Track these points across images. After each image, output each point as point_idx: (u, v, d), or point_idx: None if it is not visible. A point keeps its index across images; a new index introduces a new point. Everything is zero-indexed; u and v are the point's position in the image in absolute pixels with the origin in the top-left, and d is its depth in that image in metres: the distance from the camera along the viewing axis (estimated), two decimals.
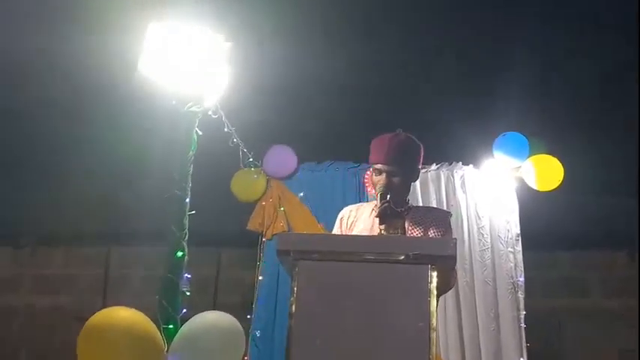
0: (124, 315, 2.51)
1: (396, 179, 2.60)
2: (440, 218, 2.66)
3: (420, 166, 2.76)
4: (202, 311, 2.92)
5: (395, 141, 2.63)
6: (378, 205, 2.49)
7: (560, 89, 5.13)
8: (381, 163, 2.61)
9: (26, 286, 6.38)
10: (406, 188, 2.68)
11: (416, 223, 2.59)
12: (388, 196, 2.52)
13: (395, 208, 2.54)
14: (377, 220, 2.58)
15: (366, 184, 2.71)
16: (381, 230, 2.50)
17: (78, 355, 2.41)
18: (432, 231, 2.56)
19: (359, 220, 2.67)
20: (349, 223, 2.67)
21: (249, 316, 4.48)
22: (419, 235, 2.53)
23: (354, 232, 2.61)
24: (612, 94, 5.16)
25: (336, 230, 2.69)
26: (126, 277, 6.11)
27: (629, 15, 4.54)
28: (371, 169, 2.71)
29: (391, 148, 2.62)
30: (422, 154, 2.72)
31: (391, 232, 2.49)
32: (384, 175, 2.60)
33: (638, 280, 5.43)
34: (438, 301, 2.02)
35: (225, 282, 6.01)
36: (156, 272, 3.05)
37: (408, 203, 2.64)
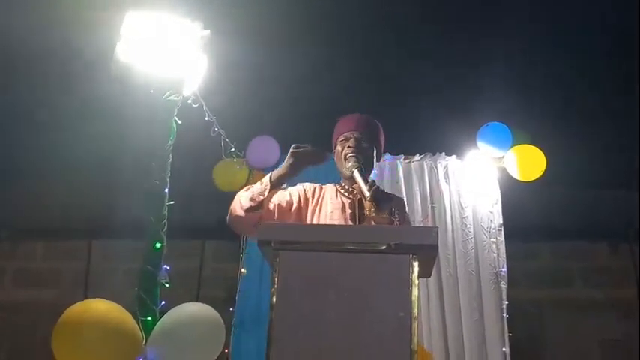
0: (100, 307, 2.48)
1: (365, 145, 2.56)
2: (400, 205, 2.60)
3: (382, 150, 2.72)
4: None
5: (362, 115, 2.64)
6: (365, 190, 2.34)
7: (543, 80, 5.16)
8: (350, 130, 2.58)
9: (6, 280, 6.30)
10: (372, 161, 2.62)
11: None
12: (374, 181, 2.47)
13: (384, 191, 2.50)
14: (345, 200, 2.53)
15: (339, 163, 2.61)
16: (369, 212, 2.39)
17: (53, 349, 2.37)
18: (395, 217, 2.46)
19: (325, 200, 2.57)
20: (313, 201, 2.57)
21: (231, 309, 4.45)
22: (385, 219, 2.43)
23: (323, 213, 2.54)
24: (595, 86, 5.19)
25: (293, 192, 2.55)
26: (108, 270, 6.04)
27: (614, 5, 4.56)
28: (335, 151, 2.63)
29: (359, 118, 2.63)
30: (384, 137, 2.70)
31: (381, 215, 2.39)
32: (352, 140, 2.55)
33: (638, 271, 5.50)
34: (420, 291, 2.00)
35: (209, 274, 5.97)
36: (138, 265, 3.01)
37: (375, 184, 2.46)
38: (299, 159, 2.42)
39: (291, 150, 2.43)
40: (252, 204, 2.39)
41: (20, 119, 5.22)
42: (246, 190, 2.47)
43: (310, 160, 2.45)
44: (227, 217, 2.50)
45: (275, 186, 2.43)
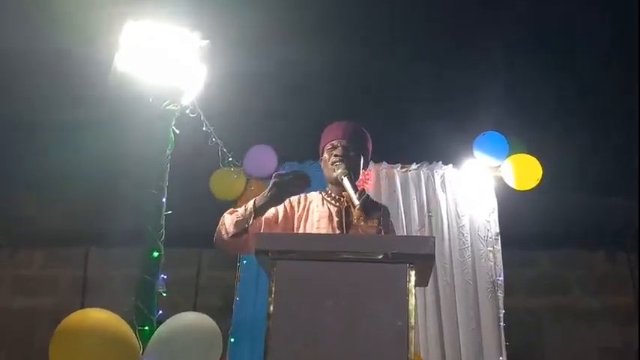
0: (97, 317, 2.48)
1: (352, 153, 2.56)
2: (385, 214, 2.58)
3: (369, 158, 2.71)
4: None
5: (350, 123, 2.63)
6: (354, 199, 2.34)
7: (539, 89, 5.17)
8: (337, 138, 2.57)
9: (5, 288, 6.29)
10: (358, 170, 2.61)
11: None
12: (364, 189, 2.49)
13: (373, 200, 2.50)
14: (332, 208, 2.53)
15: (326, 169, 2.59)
16: (358, 220, 2.39)
17: (50, 358, 2.37)
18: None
19: (311, 208, 2.57)
20: (299, 208, 2.57)
21: (228, 318, 4.45)
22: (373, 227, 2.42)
23: (310, 221, 2.54)
24: (591, 95, 5.21)
25: (280, 210, 2.55)
26: (105, 278, 6.04)
27: (612, 8, 4.58)
28: (322, 158, 2.63)
29: (346, 126, 2.62)
30: (371, 145, 2.69)
31: (369, 224, 2.39)
32: (339, 148, 2.55)
33: (636, 279, 5.52)
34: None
35: (206, 283, 5.97)
36: (135, 273, 3.01)
37: (364, 192, 2.47)
38: (281, 189, 2.39)
39: (272, 180, 2.40)
40: (237, 230, 2.40)
41: (19, 128, 5.23)
42: (231, 213, 2.46)
43: (292, 189, 2.43)
44: (214, 237, 2.50)
45: (259, 214, 2.41)
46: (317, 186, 2.73)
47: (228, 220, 2.44)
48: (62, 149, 5.21)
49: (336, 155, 2.54)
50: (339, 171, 2.46)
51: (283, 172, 2.44)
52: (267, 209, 2.45)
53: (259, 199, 2.42)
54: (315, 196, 2.63)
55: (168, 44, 3.08)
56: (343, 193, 2.53)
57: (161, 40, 3.08)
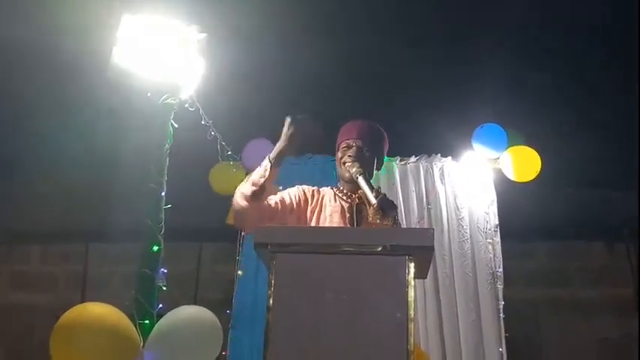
0: (97, 311, 2.49)
1: (367, 153, 2.58)
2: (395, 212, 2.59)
3: (383, 160, 2.73)
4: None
5: (365, 122, 2.65)
6: (371, 197, 2.34)
7: (538, 80, 5.17)
8: (352, 138, 2.59)
9: (3, 284, 6.29)
10: (372, 170, 2.62)
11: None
12: (379, 188, 2.50)
13: (389, 199, 2.51)
14: (344, 204, 2.55)
15: (339, 167, 2.61)
16: (373, 218, 2.38)
17: (51, 352, 2.38)
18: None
19: (323, 202, 2.59)
20: (313, 201, 2.59)
21: (228, 311, 4.46)
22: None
23: (323, 215, 2.56)
24: (591, 85, 5.21)
25: (292, 193, 2.58)
26: (105, 273, 6.04)
27: (613, 4, 4.58)
28: (337, 155, 2.64)
29: (362, 126, 2.64)
30: (387, 144, 2.71)
31: (384, 222, 2.38)
32: (354, 149, 2.57)
33: (635, 271, 5.52)
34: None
35: (206, 277, 5.98)
36: (136, 268, 3.02)
37: (380, 191, 2.49)
38: (297, 127, 2.38)
39: (288, 119, 2.39)
40: (255, 188, 2.34)
41: (16, 123, 5.23)
42: (246, 182, 2.42)
43: (308, 129, 2.41)
44: (232, 209, 2.46)
45: (275, 164, 2.38)
46: (314, 179, 2.75)
47: (243, 185, 2.40)
48: (60, 144, 5.21)
49: (349, 156, 2.56)
50: (354, 170, 2.48)
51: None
52: (283, 156, 2.41)
53: (274, 149, 2.40)
54: (327, 191, 2.65)
55: (165, 38, 3.08)
56: (359, 191, 2.53)
57: (159, 34, 3.08)
